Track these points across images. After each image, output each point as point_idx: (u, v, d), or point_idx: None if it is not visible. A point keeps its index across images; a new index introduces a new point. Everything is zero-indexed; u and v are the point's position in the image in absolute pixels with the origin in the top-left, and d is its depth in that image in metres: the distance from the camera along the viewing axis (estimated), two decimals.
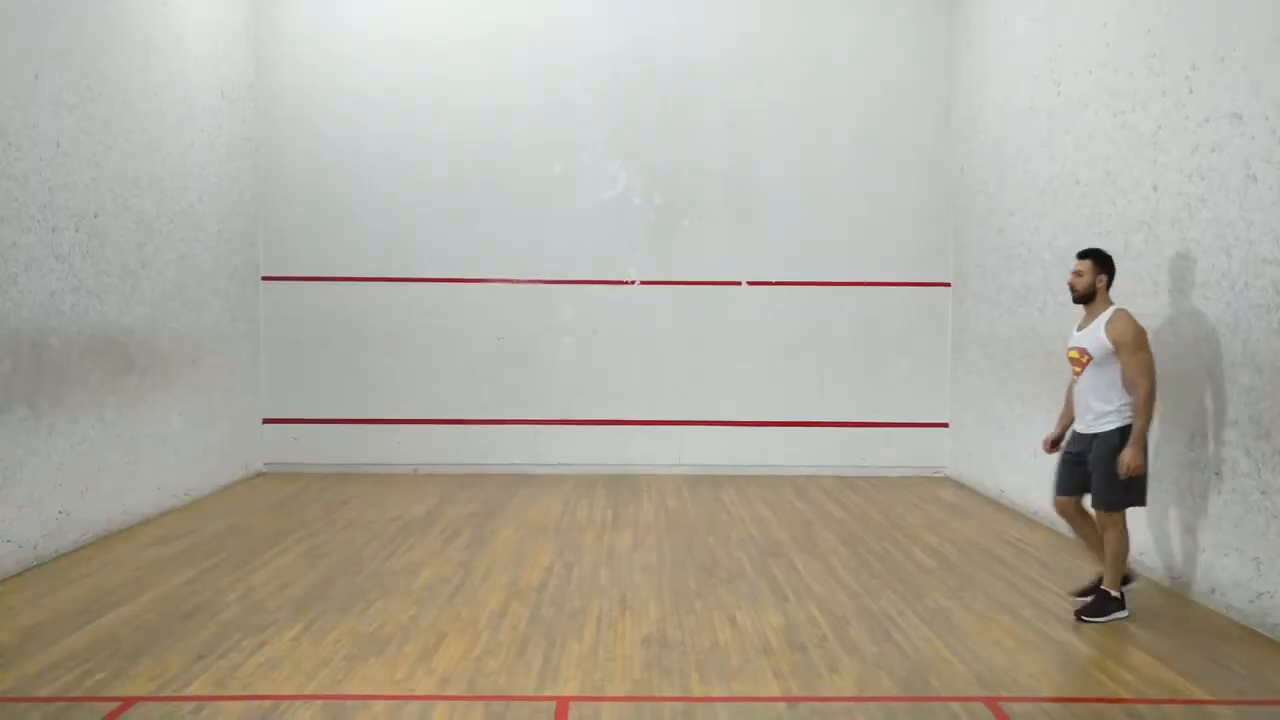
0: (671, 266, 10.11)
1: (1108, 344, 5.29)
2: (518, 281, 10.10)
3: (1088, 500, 5.53)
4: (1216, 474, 5.58)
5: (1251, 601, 5.30)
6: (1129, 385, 5.27)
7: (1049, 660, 4.83)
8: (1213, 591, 5.63)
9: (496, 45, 10.03)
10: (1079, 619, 5.37)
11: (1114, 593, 5.39)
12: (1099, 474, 5.32)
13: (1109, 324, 5.32)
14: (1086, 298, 5.46)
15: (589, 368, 10.13)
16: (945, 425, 10.07)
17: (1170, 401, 6.00)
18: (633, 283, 10.13)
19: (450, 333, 10.08)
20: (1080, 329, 5.49)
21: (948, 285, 10.09)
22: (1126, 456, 5.20)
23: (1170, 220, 6.08)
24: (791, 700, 4.29)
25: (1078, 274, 5.48)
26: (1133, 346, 5.24)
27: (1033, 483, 7.78)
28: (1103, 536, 5.43)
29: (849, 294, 10.12)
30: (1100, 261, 5.46)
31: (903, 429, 10.10)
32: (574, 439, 10.08)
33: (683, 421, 10.12)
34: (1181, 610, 5.64)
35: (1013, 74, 8.57)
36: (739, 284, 10.13)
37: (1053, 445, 5.75)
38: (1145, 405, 5.21)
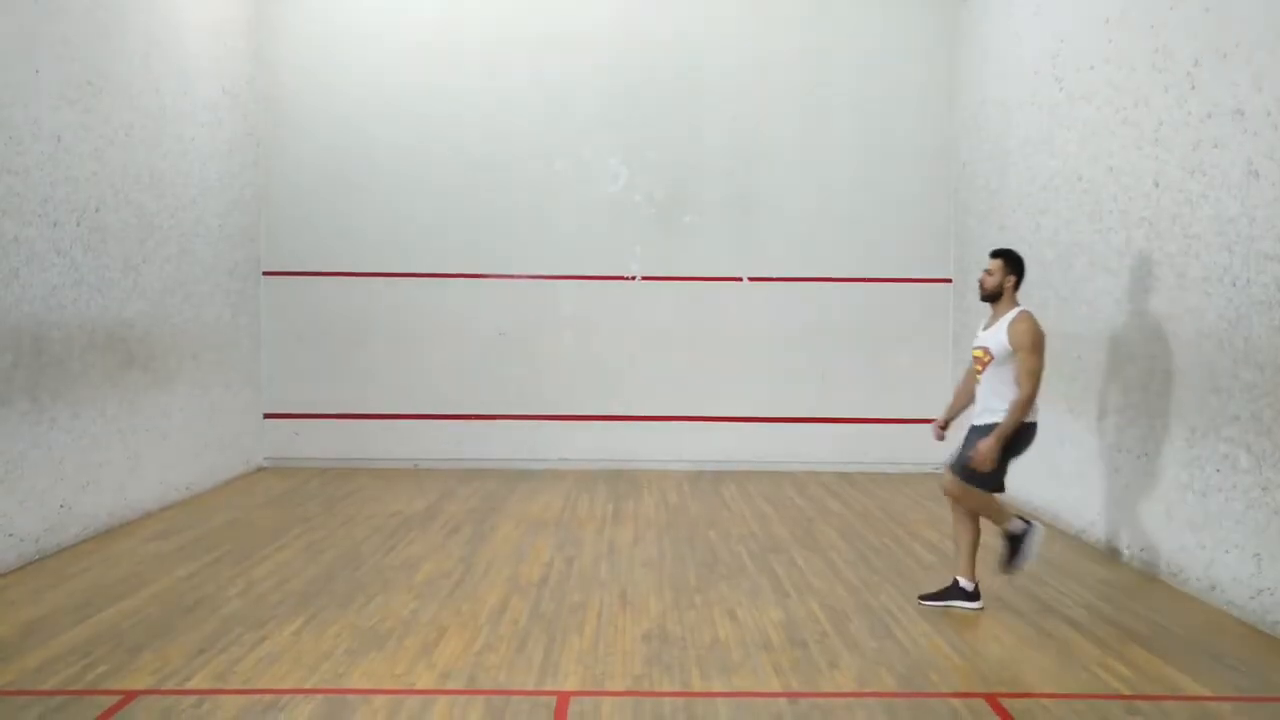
0: (672, 262, 10.10)
1: (1007, 345, 5.35)
2: (519, 277, 10.09)
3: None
4: (1217, 470, 5.58)
5: (1252, 598, 5.30)
6: (1017, 384, 5.32)
7: (1049, 656, 4.83)
8: (1213, 588, 5.63)
9: (497, 41, 10.02)
10: (1004, 568, 5.45)
11: (1014, 527, 5.41)
12: (970, 445, 5.37)
13: (1011, 325, 5.37)
14: (994, 296, 5.52)
15: (590, 363, 10.12)
16: None
17: (1171, 398, 6.01)
18: (634, 278, 10.12)
19: (451, 328, 10.08)
20: (985, 328, 5.54)
21: (949, 281, 10.08)
22: (983, 447, 5.26)
23: (1172, 216, 6.08)
24: (792, 696, 4.30)
25: (988, 273, 5.53)
26: (1029, 348, 5.30)
27: (1032, 479, 7.78)
28: (960, 499, 5.46)
29: (850, 290, 10.11)
30: (1011, 262, 5.51)
31: (903, 425, 10.09)
32: (574, 434, 10.08)
33: (683, 417, 10.12)
34: (1181, 607, 5.64)
35: (1014, 70, 8.55)
36: (740, 279, 10.13)
37: (942, 429, 5.84)
38: (1020, 407, 5.27)
